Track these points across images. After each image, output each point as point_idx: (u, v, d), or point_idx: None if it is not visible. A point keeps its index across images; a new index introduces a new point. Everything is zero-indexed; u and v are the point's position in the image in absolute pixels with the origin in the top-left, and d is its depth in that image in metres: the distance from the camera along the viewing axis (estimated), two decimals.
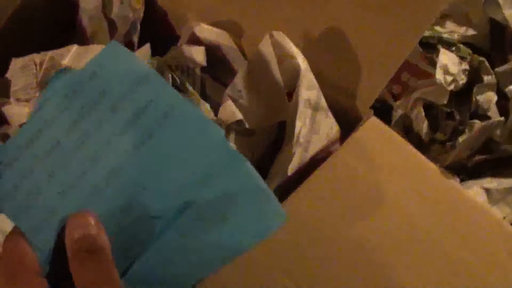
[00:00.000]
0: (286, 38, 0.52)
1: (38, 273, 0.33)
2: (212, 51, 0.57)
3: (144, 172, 0.36)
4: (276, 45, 0.52)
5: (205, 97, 0.56)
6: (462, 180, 0.60)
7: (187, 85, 0.54)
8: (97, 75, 0.36)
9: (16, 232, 0.34)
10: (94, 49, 0.55)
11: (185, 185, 0.35)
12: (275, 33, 0.52)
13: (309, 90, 0.51)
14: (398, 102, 0.64)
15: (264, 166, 0.51)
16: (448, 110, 0.64)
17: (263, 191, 0.35)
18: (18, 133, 0.36)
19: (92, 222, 0.33)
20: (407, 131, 0.63)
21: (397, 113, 0.62)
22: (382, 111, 0.54)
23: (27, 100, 0.54)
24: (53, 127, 0.36)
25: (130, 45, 0.60)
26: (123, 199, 0.35)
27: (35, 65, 0.55)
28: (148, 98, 0.36)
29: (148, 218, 0.35)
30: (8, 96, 0.56)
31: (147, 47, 0.57)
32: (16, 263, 0.33)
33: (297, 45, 0.52)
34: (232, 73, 0.57)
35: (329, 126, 0.53)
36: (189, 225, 0.36)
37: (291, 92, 0.52)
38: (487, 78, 0.64)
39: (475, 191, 0.58)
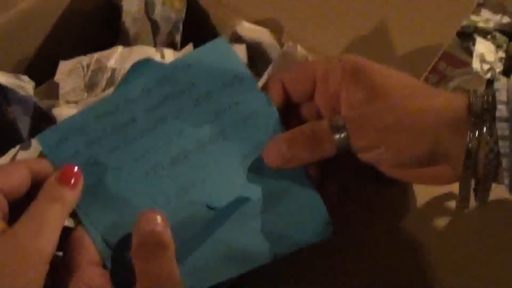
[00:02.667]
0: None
1: (99, 264, 0.34)
2: (254, 48, 0.57)
3: (209, 167, 0.36)
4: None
5: None
6: None
7: None
8: (192, 67, 0.37)
9: (77, 226, 0.35)
10: (139, 50, 0.56)
11: (247, 183, 0.36)
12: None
13: None
14: None
15: None
16: None
17: (319, 202, 0.37)
18: (98, 104, 0.37)
19: (160, 220, 0.33)
20: None
21: None
22: None
23: (75, 102, 0.54)
24: (133, 106, 0.37)
25: (173, 45, 0.60)
26: (181, 182, 0.36)
27: (82, 67, 0.56)
28: (235, 100, 0.37)
29: (202, 206, 0.36)
30: (57, 98, 0.56)
31: (190, 47, 0.58)
32: (77, 255, 0.34)
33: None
34: None
35: None
36: (244, 218, 0.36)
37: None
38: None
39: None
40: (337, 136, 0.34)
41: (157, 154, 0.36)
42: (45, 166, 0.36)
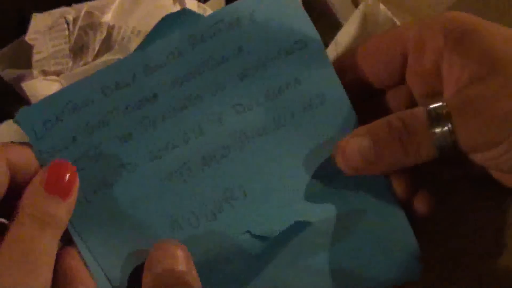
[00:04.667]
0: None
1: None
2: (313, 2, 0.46)
3: (254, 173, 0.31)
4: None
5: None
6: None
7: None
8: (240, 24, 0.31)
9: (69, 247, 0.32)
10: (147, 0, 0.45)
11: (306, 200, 0.31)
12: None
13: None
14: None
15: None
16: None
17: (406, 227, 0.32)
18: (107, 71, 0.31)
19: (181, 255, 0.30)
20: None
21: None
22: None
23: (57, 73, 0.44)
24: (155, 76, 0.31)
25: None
26: (215, 195, 0.31)
27: (67, 23, 0.46)
28: (296, 76, 0.31)
29: (242, 233, 0.31)
30: (29, 67, 0.46)
31: None
32: (73, 282, 0.30)
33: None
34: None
35: None
36: (303, 251, 0.31)
37: None
38: None
39: None
40: (438, 130, 0.29)
41: (184, 149, 0.31)
42: (28, 157, 0.31)
